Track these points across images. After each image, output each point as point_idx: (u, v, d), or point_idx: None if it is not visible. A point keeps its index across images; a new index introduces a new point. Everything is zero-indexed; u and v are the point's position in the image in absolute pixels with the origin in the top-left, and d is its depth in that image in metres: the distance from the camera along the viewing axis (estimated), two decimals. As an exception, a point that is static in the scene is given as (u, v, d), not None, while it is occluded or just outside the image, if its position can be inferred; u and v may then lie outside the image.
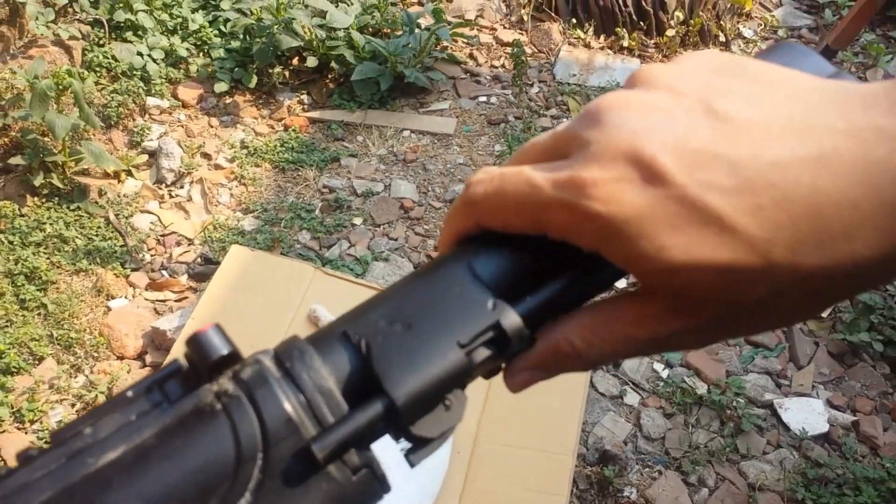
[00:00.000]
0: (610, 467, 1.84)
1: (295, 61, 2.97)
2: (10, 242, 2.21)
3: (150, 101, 2.76)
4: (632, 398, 2.02)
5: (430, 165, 2.64)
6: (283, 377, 0.30)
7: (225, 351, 0.30)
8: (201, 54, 2.97)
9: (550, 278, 0.34)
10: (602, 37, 3.30)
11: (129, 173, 2.52)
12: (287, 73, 2.92)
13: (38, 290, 2.12)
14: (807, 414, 1.99)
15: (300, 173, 2.59)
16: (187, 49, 2.93)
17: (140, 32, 2.87)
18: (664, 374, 2.08)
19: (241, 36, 2.93)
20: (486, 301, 0.33)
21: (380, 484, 0.31)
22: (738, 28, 3.44)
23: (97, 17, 2.84)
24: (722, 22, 3.32)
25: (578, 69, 3.11)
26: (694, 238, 0.28)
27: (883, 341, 2.12)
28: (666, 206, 0.28)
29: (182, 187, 2.54)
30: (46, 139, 2.39)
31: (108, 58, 2.75)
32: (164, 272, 2.28)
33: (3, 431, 1.83)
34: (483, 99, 2.96)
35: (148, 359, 2.03)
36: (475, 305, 0.32)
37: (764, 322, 0.31)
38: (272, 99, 2.88)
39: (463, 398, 0.33)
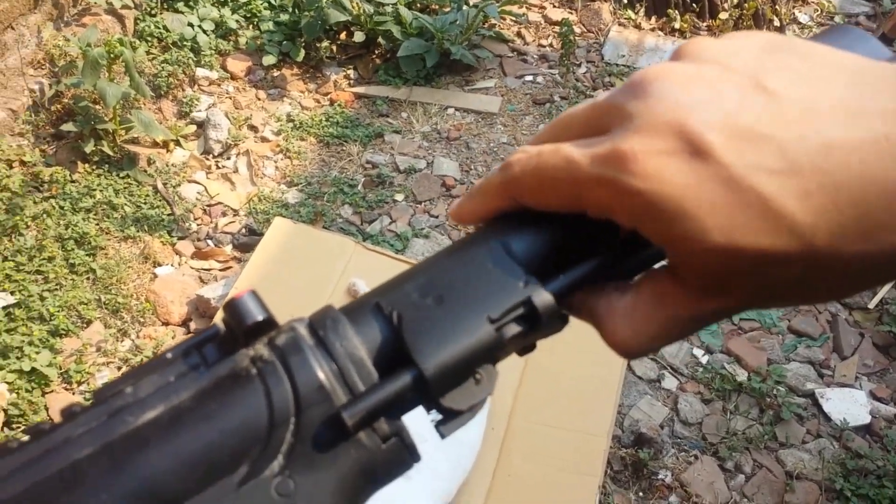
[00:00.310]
0: (645, 450, 1.84)
1: (342, 36, 2.98)
2: (61, 208, 2.26)
3: (200, 72, 2.79)
4: (670, 382, 2.01)
5: (473, 144, 2.64)
6: (317, 345, 0.31)
7: (260, 317, 0.31)
8: (251, 27, 3.00)
9: (584, 257, 0.33)
10: (653, 18, 3.26)
11: (178, 143, 2.56)
12: (334, 48, 2.93)
13: (87, 254, 2.17)
14: (849, 404, 1.96)
15: (344, 148, 2.61)
16: (237, 21, 2.95)
17: (191, 3, 2.91)
18: (704, 359, 2.07)
19: (290, 9, 2.95)
20: (518, 277, 0.33)
21: (409, 453, 0.31)
22: (794, 13, 3.37)
23: (150, -13, 2.87)
24: (777, 6, 3.25)
25: (627, 50, 3.07)
26: (735, 221, 0.27)
27: (930, 335, 2.09)
28: (709, 186, 0.27)
29: (229, 158, 2.57)
30: (98, 107, 2.43)
31: (159, 28, 2.79)
32: (209, 241, 2.31)
33: (52, 392, 1.88)
34: (529, 78, 2.94)
35: (192, 326, 2.07)
36: (507, 281, 0.33)
37: (799, 298, 0.30)
38: (319, 73, 2.90)
39: (494, 373, 0.33)
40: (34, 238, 2.17)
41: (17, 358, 1.88)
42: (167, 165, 2.49)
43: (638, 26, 3.21)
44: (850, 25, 0.39)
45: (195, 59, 2.79)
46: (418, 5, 3.09)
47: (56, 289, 2.08)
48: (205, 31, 2.86)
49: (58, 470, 0.28)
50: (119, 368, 1.96)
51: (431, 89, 2.85)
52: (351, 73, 2.90)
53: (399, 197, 2.43)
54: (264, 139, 2.64)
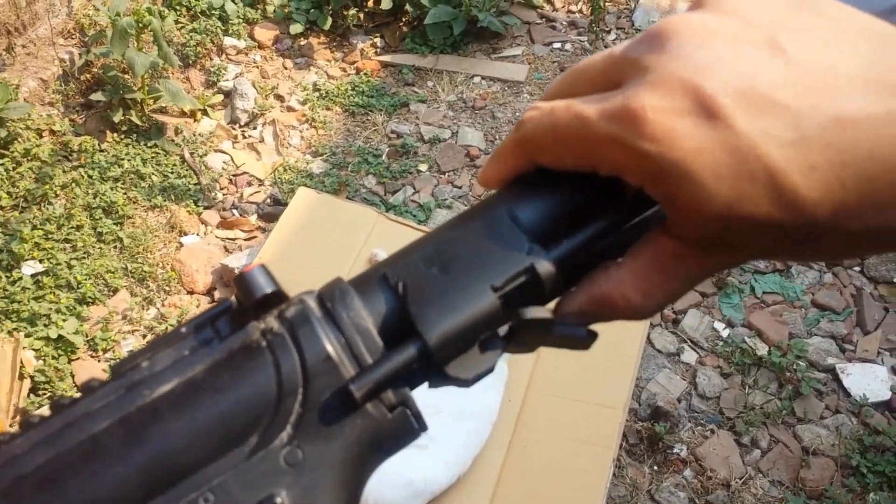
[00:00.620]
0: (661, 424, 1.84)
1: (370, 3, 2.96)
2: (90, 176, 2.30)
3: (228, 41, 2.80)
4: (689, 356, 2.01)
5: (498, 113, 2.62)
6: (325, 317, 0.32)
7: (269, 290, 0.32)
8: (278, -5, 3.00)
9: (587, 222, 0.34)
10: (684, -17, 3.19)
11: (205, 113, 2.58)
12: (361, 16, 2.92)
13: (114, 223, 2.21)
14: (869, 380, 1.95)
15: (369, 118, 2.61)
16: (265, -11, 2.96)
17: (219, -28, 2.91)
18: (724, 333, 2.06)
19: (318, -23, 2.94)
20: (521, 245, 0.33)
21: (416, 421, 0.32)
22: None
23: (178, -45, 2.88)
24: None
25: (659, 16, 3.02)
26: (739, 191, 0.27)
27: (958, 311, 2.05)
28: (717, 153, 0.27)
29: (255, 128, 2.59)
30: (126, 76, 2.46)
31: (187, -4, 2.80)
32: (234, 211, 2.34)
33: (78, 359, 1.94)
34: (557, 45, 2.91)
35: (217, 295, 2.11)
36: (511, 249, 0.33)
37: (801, 257, 0.31)
38: (346, 42, 2.89)
39: (499, 343, 0.33)
40: (63, 207, 2.22)
41: (45, 325, 1.93)
42: (194, 135, 2.51)
43: (669, -8, 3.15)
44: None
45: (223, 28, 2.80)
46: (446, -28, 3.06)
47: (84, 257, 2.13)
48: (233, 0, 2.86)
49: (77, 443, 0.29)
50: (144, 336, 2.01)
51: (458, 57, 2.83)
52: (377, 41, 2.90)
53: (423, 167, 2.44)
54: (290, 109, 2.65)
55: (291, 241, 1.95)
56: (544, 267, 0.32)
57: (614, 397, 1.68)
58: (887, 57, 0.27)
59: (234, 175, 2.44)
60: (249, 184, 2.42)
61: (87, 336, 1.97)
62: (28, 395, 1.83)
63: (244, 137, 2.57)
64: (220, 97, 2.64)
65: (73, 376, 1.89)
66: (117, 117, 2.39)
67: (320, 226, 1.97)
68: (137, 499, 0.29)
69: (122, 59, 2.33)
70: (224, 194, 2.39)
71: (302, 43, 2.87)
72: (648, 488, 1.78)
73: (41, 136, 2.36)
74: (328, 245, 1.92)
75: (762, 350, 2.00)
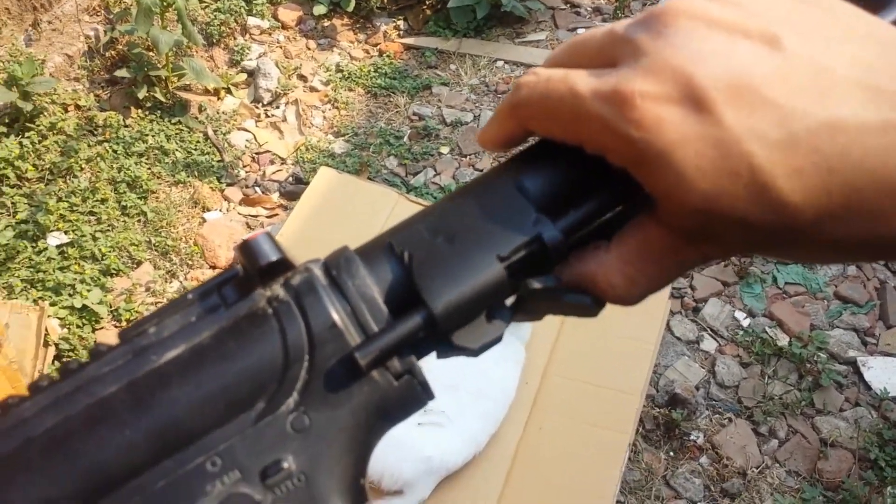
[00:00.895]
0: (678, 410, 1.84)
1: (394, -14, 2.96)
2: (115, 152, 2.31)
3: (251, 20, 2.80)
4: (708, 344, 2.00)
5: (521, 97, 2.61)
6: (330, 285, 0.32)
7: (273, 257, 0.31)
8: (303, -25, 3.00)
9: (594, 193, 0.33)
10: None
11: (228, 91, 2.59)
12: (385, -2, 2.92)
13: (138, 197, 2.23)
14: (891, 374, 1.93)
15: (391, 99, 2.61)
16: (289, -31, 2.96)
17: (244, -49, 2.91)
18: (745, 322, 2.05)
19: (343, -42, 2.94)
20: (528, 215, 0.33)
21: (422, 388, 0.32)
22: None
23: (204, -66, 2.88)
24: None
25: (683, 5, 3.00)
26: (720, 187, 0.27)
27: (982, 306, 2.03)
28: (701, 146, 0.27)
29: (278, 107, 2.60)
30: (151, 54, 2.47)
31: (212, -25, 2.81)
32: (257, 189, 2.35)
33: (101, 328, 1.96)
34: (581, 31, 2.88)
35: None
36: (517, 219, 0.33)
37: (785, 256, 0.31)
38: (369, 23, 2.89)
39: (507, 313, 0.33)
40: (88, 180, 2.23)
41: (70, 295, 1.95)
42: (217, 113, 2.52)
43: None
44: None
45: (247, 7, 2.80)
46: (471, -45, 3.05)
47: (108, 230, 2.14)
48: (257, -21, 2.87)
49: (85, 406, 0.29)
50: (166, 309, 2.02)
51: (481, 41, 2.83)
52: (401, 23, 2.89)
53: (444, 150, 2.44)
54: (313, 89, 2.66)
55: (312, 219, 1.96)
56: (551, 237, 0.32)
57: (632, 383, 1.68)
58: (890, 64, 0.26)
59: (256, 153, 2.45)
60: (272, 162, 2.43)
61: (110, 306, 1.99)
62: (52, 363, 1.85)
63: (267, 116, 2.57)
64: (244, 76, 2.65)
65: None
66: (142, 94, 2.40)
67: (341, 205, 1.97)
68: (145, 462, 0.29)
69: (146, 37, 2.34)
70: (247, 172, 2.40)
71: (325, 24, 2.87)
72: (664, 474, 1.78)
73: (66, 111, 2.37)
74: (348, 225, 1.92)
75: (783, 341, 1.99)
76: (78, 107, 2.40)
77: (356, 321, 0.31)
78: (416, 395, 0.32)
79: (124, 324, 1.98)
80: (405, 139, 2.48)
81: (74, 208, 2.15)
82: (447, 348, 0.33)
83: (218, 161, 2.39)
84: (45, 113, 2.32)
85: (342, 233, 1.90)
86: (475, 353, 0.33)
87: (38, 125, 2.28)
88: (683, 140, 0.27)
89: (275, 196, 2.33)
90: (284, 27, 2.86)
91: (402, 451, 1.44)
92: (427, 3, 2.95)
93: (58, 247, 2.06)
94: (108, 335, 1.94)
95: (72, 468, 0.29)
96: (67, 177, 2.24)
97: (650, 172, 0.28)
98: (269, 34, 2.82)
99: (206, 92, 2.56)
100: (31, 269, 2.00)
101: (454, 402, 1.54)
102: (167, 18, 2.41)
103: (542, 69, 0.33)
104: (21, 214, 2.11)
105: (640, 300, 0.33)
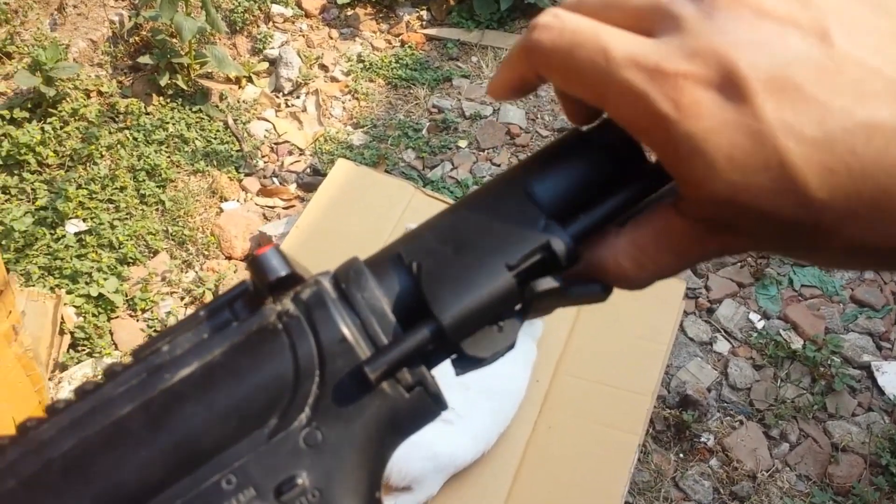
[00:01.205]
0: (689, 412, 1.83)
1: (417, -24, 2.95)
2: (135, 139, 2.33)
3: (275, 8, 2.81)
4: (722, 346, 2.00)
5: (541, 92, 2.60)
6: (340, 298, 0.32)
7: (282, 272, 0.32)
8: (326, -36, 2.99)
9: (606, 197, 0.33)
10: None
11: (250, 80, 2.60)
12: (408, -12, 2.91)
13: (157, 186, 2.24)
14: (905, 380, 1.92)
15: (411, 91, 2.61)
16: (313, -42, 2.95)
17: (269, -61, 2.91)
18: (759, 324, 2.04)
19: (366, -53, 2.93)
20: (537, 221, 0.32)
21: (433, 400, 0.32)
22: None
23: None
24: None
25: None
26: (748, 179, 0.26)
27: None
28: (735, 135, 0.26)
29: (298, 97, 2.60)
30: (174, 41, 2.48)
31: (236, -37, 2.81)
32: (274, 179, 2.36)
33: (117, 317, 1.98)
34: (604, 25, 2.87)
35: (254, 261, 2.13)
36: (526, 226, 0.32)
37: (805, 258, 0.30)
38: (392, 13, 2.89)
39: (516, 322, 0.33)
40: (107, 167, 2.25)
41: (86, 283, 1.97)
42: (238, 102, 2.53)
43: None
44: None
45: (270, -6, 2.81)
46: (496, -54, 3.03)
47: (126, 218, 2.16)
48: (281, -32, 2.87)
49: (102, 427, 0.30)
50: (182, 299, 2.04)
51: (504, 33, 2.81)
52: (424, 14, 2.88)
53: (462, 143, 2.43)
54: (334, 79, 2.66)
55: (329, 211, 1.97)
56: (560, 244, 0.32)
57: (643, 383, 1.68)
58: None
59: (275, 143, 2.46)
60: (290, 153, 2.44)
61: (126, 295, 2.01)
62: (67, 351, 1.87)
63: (287, 106, 2.58)
64: (265, 65, 2.65)
65: (111, 334, 1.94)
66: (164, 81, 2.41)
67: (358, 198, 1.98)
68: (162, 481, 0.30)
69: (170, 24, 2.35)
70: (265, 162, 2.41)
71: (348, 13, 2.87)
72: (673, 475, 1.78)
73: (89, 97, 2.39)
74: (365, 217, 1.93)
75: (797, 344, 1.98)
76: (100, 93, 2.42)
77: (366, 334, 0.32)
78: (427, 406, 0.32)
79: (140, 313, 2.00)
80: (424, 132, 2.48)
81: (93, 196, 2.17)
82: (459, 359, 0.33)
83: (237, 151, 2.40)
84: (68, 98, 2.35)
85: (358, 225, 1.91)
86: (487, 362, 0.33)
87: (61, 111, 2.31)
88: (719, 128, 0.27)
89: (292, 187, 2.34)
90: (308, 16, 2.86)
91: (410, 447, 1.45)
92: (450, -6, 2.93)
93: (76, 234, 2.08)
94: (124, 324, 1.96)
95: (92, 489, 0.29)
96: (87, 164, 2.26)
97: (679, 157, 0.28)
98: (293, 22, 2.82)
99: (228, 80, 2.57)
100: (49, 257, 2.02)
101: (464, 399, 1.55)
102: (191, 5, 2.42)
103: (565, 13, 0.31)
104: (41, 201, 2.13)
105: (644, 286, 0.33)
